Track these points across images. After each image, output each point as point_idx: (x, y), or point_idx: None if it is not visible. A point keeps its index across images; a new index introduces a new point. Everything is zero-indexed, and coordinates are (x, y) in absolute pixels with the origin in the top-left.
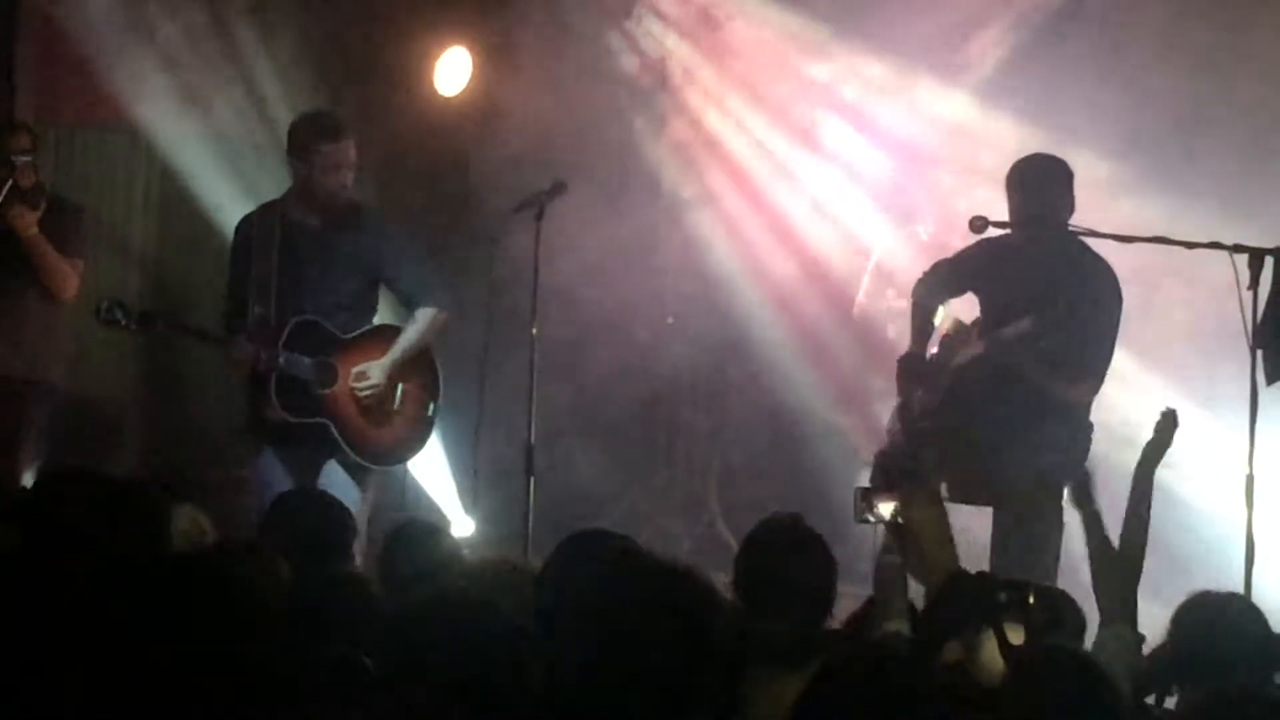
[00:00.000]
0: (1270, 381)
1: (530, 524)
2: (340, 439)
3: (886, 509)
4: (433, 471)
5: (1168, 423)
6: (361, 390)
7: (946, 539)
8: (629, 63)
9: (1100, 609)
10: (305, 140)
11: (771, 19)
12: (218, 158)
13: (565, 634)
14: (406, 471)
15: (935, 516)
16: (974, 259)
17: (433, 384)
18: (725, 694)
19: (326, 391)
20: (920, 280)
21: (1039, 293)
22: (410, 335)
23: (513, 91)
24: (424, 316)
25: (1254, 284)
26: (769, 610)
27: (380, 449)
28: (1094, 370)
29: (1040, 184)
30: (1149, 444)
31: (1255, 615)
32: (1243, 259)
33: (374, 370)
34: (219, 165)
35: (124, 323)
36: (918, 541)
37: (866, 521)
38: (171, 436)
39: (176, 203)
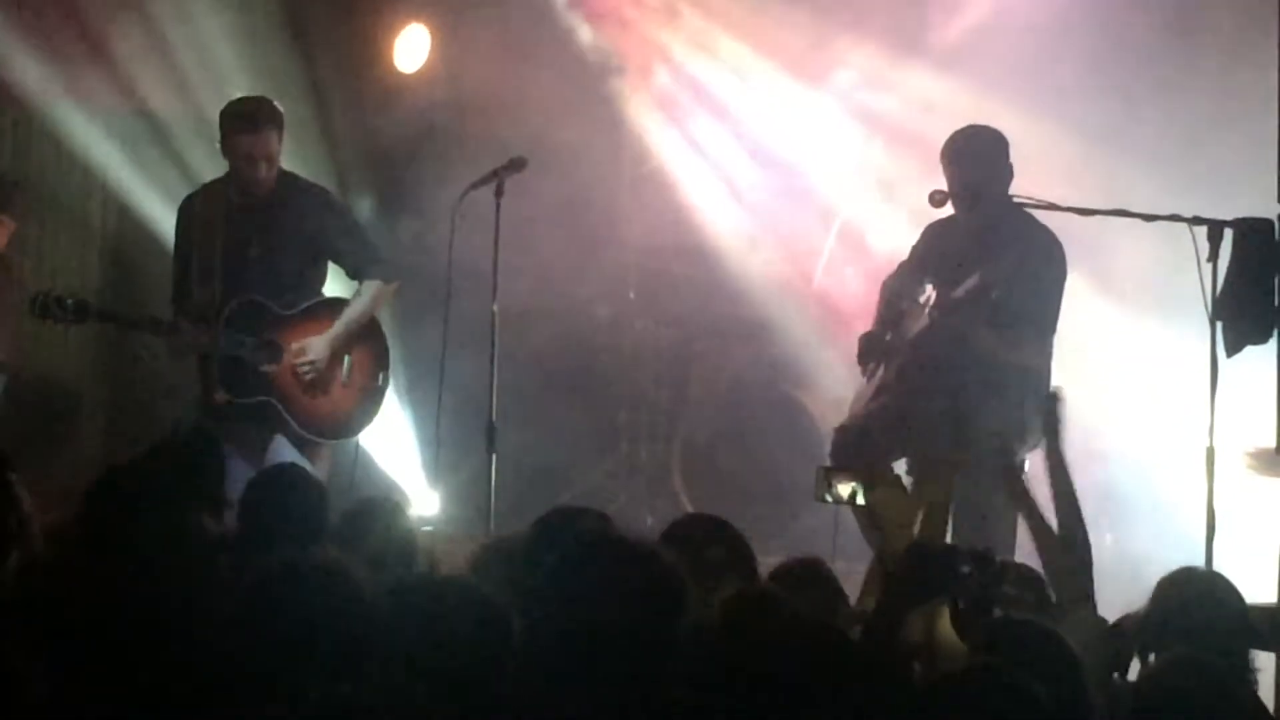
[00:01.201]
0: (1230, 354)
1: (493, 500)
2: (286, 415)
3: (845, 489)
4: (395, 448)
5: (1053, 403)
6: (302, 366)
7: (907, 519)
8: (589, 36)
9: (1055, 594)
10: (223, 130)
11: None
12: (172, 138)
13: (542, 612)
14: (358, 447)
15: (896, 498)
16: (922, 245)
17: (383, 354)
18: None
19: (269, 369)
20: (887, 278)
21: (983, 254)
22: (356, 308)
23: (471, 67)
24: (369, 288)
25: (1213, 256)
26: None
27: (329, 422)
28: (1041, 328)
29: (976, 155)
30: (1044, 428)
31: (1233, 592)
32: (1202, 231)
33: (315, 345)
34: (174, 146)
35: (58, 317)
36: (879, 521)
37: (825, 501)
38: (131, 420)
39: (133, 185)
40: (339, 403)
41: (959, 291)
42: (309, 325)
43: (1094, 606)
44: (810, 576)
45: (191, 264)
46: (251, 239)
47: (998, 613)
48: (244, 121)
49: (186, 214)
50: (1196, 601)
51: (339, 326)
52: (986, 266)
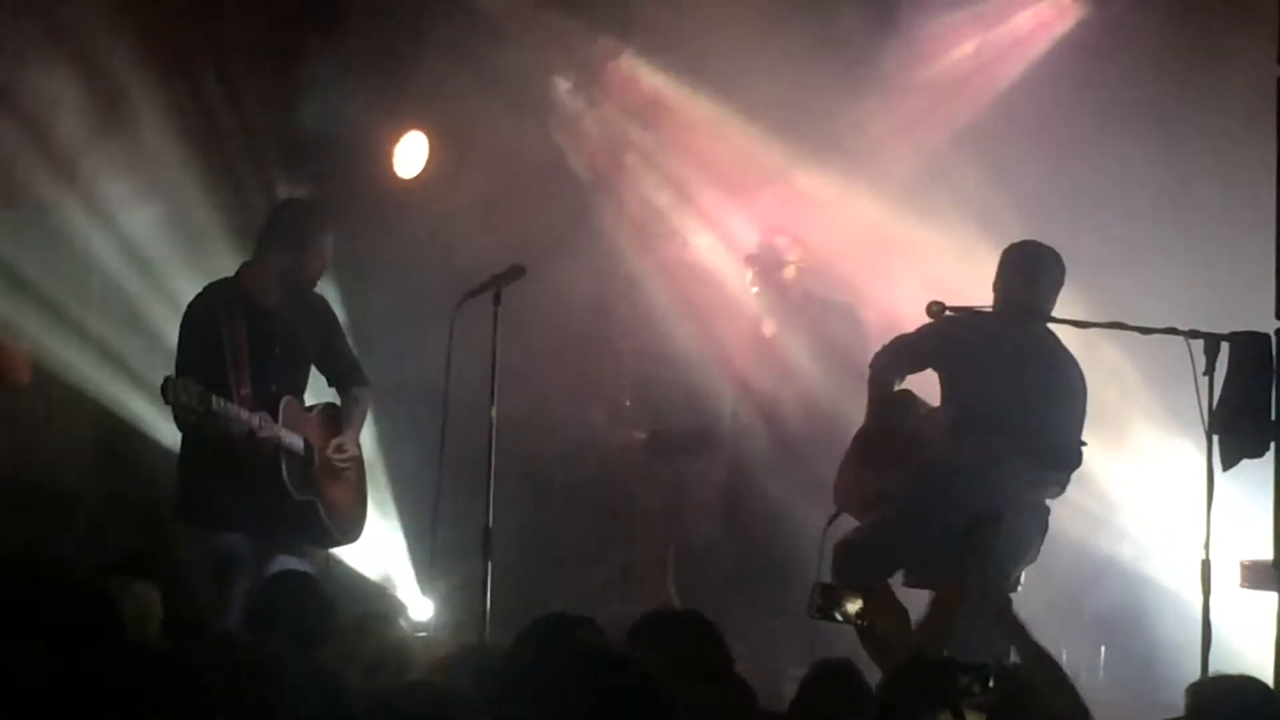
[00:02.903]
0: (1226, 467)
1: (488, 606)
2: (324, 515)
3: (852, 607)
4: (389, 554)
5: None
6: (340, 461)
7: (909, 636)
8: (583, 145)
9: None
10: (306, 229)
11: (718, 108)
12: (172, 238)
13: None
14: (329, 556)
15: (898, 617)
16: (938, 337)
17: (361, 461)
18: None
19: (313, 469)
20: (878, 354)
21: (1021, 403)
22: (360, 412)
23: (469, 174)
24: (364, 394)
25: (1209, 370)
26: None
27: (350, 523)
28: (1068, 474)
29: (1036, 274)
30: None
31: (1270, 696)
32: (1199, 344)
33: (348, 441)
34: (174, 246)
35: (192, 405)
36: (882, 638)
37: (833, 619)
38: (121, 517)
39: (133, 283)
40: (352, 502)
41: (993, 445)
42: (325, 425)
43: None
44: (843, 679)
45: (217, 360)
46: (276, 340)
47: None
48: (327, 219)
49: (205, 313)
50: (1234, 707)
51: (355, 428)
52: (1025, 426)
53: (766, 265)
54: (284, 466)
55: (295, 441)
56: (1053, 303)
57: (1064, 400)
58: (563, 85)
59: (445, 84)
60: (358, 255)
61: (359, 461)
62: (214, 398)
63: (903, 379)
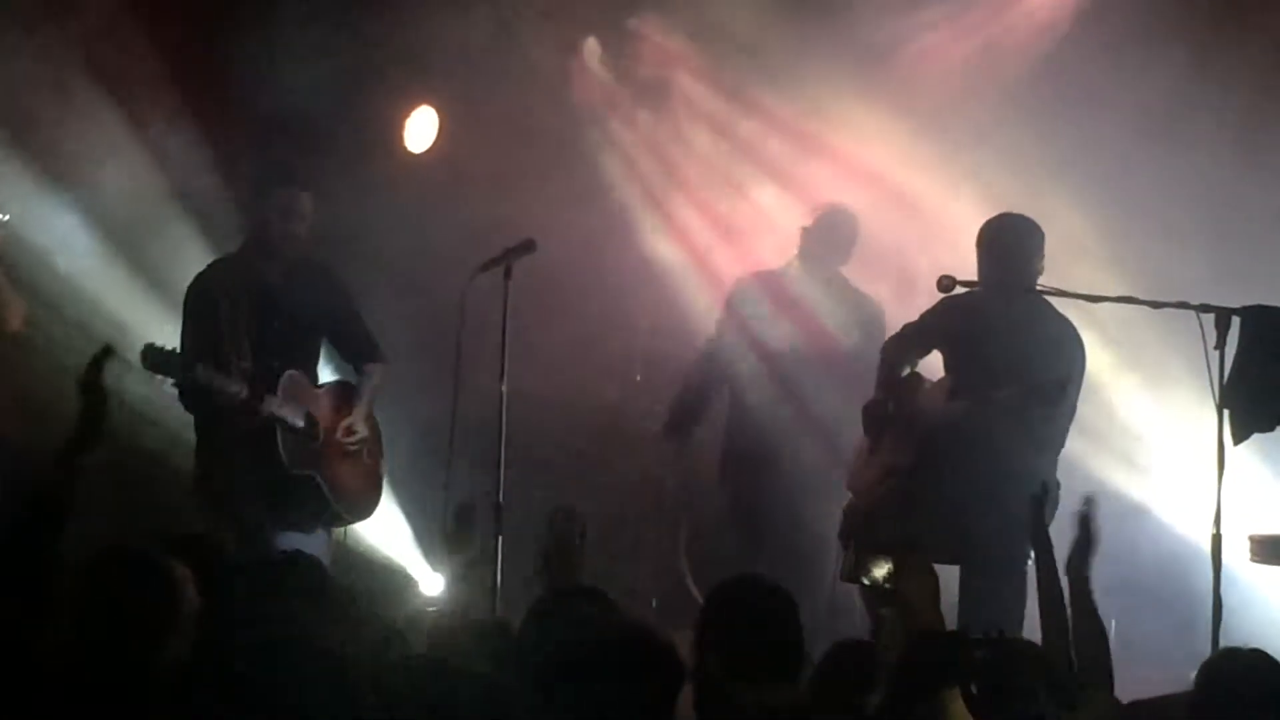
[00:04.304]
0: (1237, 441)
1: (499, 581)
2: (327, 491)
3: (881, 571)
4: (400, 528)
5: (1089, 512)
6: (350, 442)
7: (935, 606)
8: (603, 113)
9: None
10: (260, 186)
11: (742, 67)
12: (184, 215)
13: (540, 692)
14: (345, 532)
15: (928, 584)
16: (938, 318)
17: (380, 439)
18: None
19: (314, 444)
20: (888, 341)
21: (1015, 360)
22: (371, 390)
23: (480, 149)
24: (378, 371)
25: (1220, 344)
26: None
27: (358, 503)
28: (1064, 440)
29: (1011, 245)
30: (1075, 546)
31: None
32: (1209, 318)
33: (358, 422)
34: (186, 224)
35: (168, 371)
36: (907, 606)
37: (862, 583)
38: (143, 494)
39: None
40: (362, 482)
41: (995, 398)
42: (334, 402)
43: (1112, 689)
44: (856, 659)
45: (217, 336)
46: (276, 315)
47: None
48: (284, 176)
49: (206, 288)
50: (1245, 681)
51: (366, 406)
52: (1026, 383)
53: (814, 240)
54: (279, 439)
55: (294, 416)
56: (1035, 266)
57: (1049, 346)
58: (593, 50)
59: (456, 57)
60: (368, 230)
61: (371, 441)
62: (199, 366)
63: (913, 364)
